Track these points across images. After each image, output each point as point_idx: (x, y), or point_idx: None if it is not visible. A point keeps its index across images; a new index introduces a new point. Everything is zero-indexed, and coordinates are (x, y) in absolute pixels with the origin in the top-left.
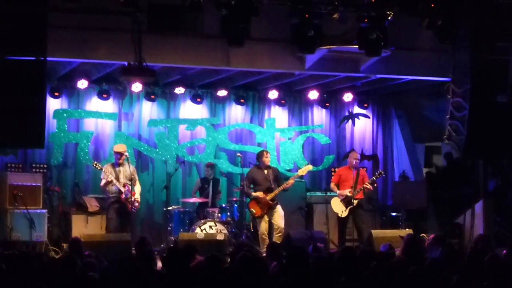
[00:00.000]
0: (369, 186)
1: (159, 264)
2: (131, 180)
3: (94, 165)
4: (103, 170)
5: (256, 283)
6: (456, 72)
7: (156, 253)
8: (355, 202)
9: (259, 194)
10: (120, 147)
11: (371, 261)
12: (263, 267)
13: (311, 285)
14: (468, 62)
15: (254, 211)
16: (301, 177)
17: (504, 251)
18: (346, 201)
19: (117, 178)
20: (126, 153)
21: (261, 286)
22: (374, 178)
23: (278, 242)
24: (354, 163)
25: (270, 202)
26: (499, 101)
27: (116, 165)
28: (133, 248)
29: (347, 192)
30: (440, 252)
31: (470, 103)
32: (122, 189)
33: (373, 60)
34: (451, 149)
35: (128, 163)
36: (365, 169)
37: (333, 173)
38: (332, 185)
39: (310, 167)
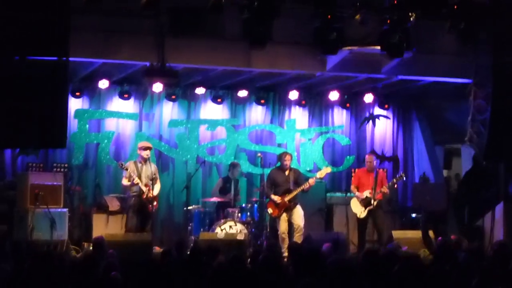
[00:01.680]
0: (386, 191)
1: None
2: (152, 179)
3: (120, 165)
4: (125, 174)
5: (277, 284)
6: (478, 74)
7: None
8: (374, 203)
9: (276, 198)
10: (148, 143)
11: (394, 264)
12: (285, 268)
13: (329, 286)
14: (490, 65)
15: (271, 211)
16: (321, 178)
17: None
18: (365, 202)
19: (139, 177)
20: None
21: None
22: (395, 181)
23: (299, 242)
24: (369, 167)
25: (288, 203)
26: None
27: (139, 162)
28: (155, 248)
29: (367, 193)
30: (463, 256)
31: (492, 105)
32: (144, 189)
33: (395, 62)
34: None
35: (150, 161)
36: (385, 170)
37: (353, 174)
38: (352, 187)
39: (328, 169)
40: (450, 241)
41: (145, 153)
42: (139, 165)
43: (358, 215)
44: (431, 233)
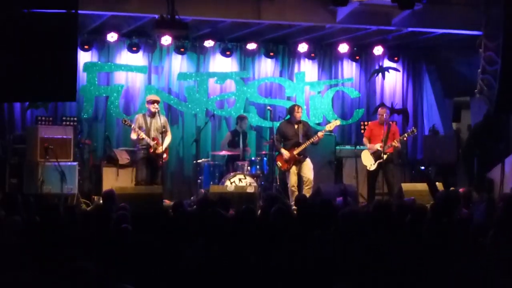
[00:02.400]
0: (397, 145)
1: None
2: (162, 132)
3: (124, 122)
4: (133, 125)
5: (288, 235)
6: (489, 26)
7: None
8: (384, 156)
9: (285, 152)
10: (155, 96)
11: (406, 215)
12: (295, 220)
13: (341, 238)
14: (501, 16)
15: (280, 164)
16: (330, 131)
17: None
18: (376, 155)
19: (148, 130)
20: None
21: (292, 239)
22: (406, 135)
23: (308, 194)
24: (381, 119)
25: (297, 156)
26: None
27: (148, 115)
28: (165, 201)
29: (378, 146)
30: (484, 207)
31: (502, 57)
32: (151, 143)
33: (405, 13)
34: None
35: (159, 114)
36: (395, 123)
37: (362, 127)
38: (365, 139)
39: (338, 122)
40: (452, 192)
41: (153, 107)
42: (148, 118)
43: (368, 167)
44: (440, 185)
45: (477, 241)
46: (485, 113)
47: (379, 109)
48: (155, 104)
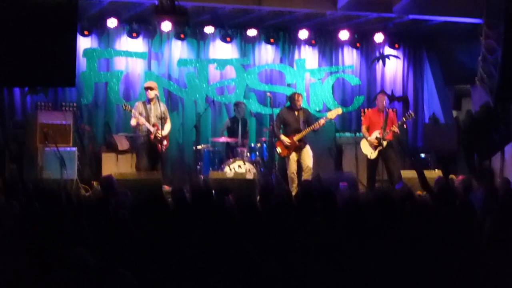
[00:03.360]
0: (396, 130)
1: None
2: (162, 118)
3: (124, 107)
4: (133, 111)
5: (288, 222)
6: (489, 14)
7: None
8: (384, 143)
9: (285, 138)
10: (150, 83)
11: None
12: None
13: (341, 225)
14: (502, 5)
15: (280, 151)
16: (331, 119)
17: None
18: (376, 142)
19: (148, 117)
20: (157, 91)
21: (293, 226)
22: (404, 119)
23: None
24: (381, 105)
25: (297, 143)
26: None
27: (147, 102)
28: (165, 187)
29: (376, 133)
30: (482, 193)
31: (503, 45)
32: (152, 129)
33: (406, 1)
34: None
35: (159, 101)
36: (395, 110)
37: (363, 115)
38: (363, 128)
39: (339, 111)
40: (450, 181)
41: (147, 93)
42: (148, 105)
43: (368, 156)
44: (440, 172)
45: (477, 228)
46: (485, 101)
47: (379, 95)
48: (149, 90)
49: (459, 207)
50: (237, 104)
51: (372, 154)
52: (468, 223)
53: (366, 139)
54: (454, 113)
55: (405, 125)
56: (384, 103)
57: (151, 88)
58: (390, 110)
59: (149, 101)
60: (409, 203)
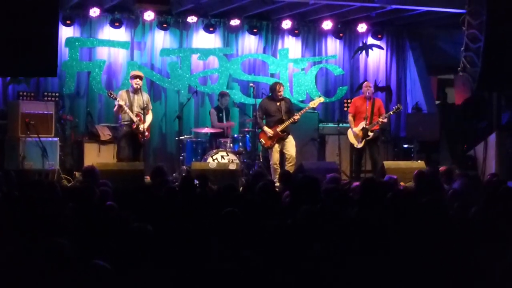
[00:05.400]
0: (385, 120)
1: None
2: (144, 109)
3: (109, 95)
4: (118, 99)
5: (272, 212)
6: (472, 3)
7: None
8: (371, 134)
9: (268, 130)
10: (138, 72)
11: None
12: (279, 197)
13: (325, 214)
14: None
15: (264, 142)
16: (313, 108)
17: None
18: (362, 133)
19: (131, 106)
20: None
21: (277, 215)
22: (391, 113)
23: (290, 172)
24: (367, 92)
25: (280, 134)
26: None
27: (132, 91)
28: (146, 177)
29: (362, 124)
30: (461, 183)
31: (485, 35)
32: (134, 119)
33: None
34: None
35: (142, 91)
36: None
37: (346, 105)
38: (350, 117)
39: (321, 99)
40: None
41: (135, 82)
42: (131, 94)
43: (355, 145)
44: (422, 163)
45: (459, 216)
46: (468, 90)
47: (365, 83)
48: (137, 79)
49: (440, 196)
50: (221, 94)
51: (359, 144)
52: (448, 212)
53: (352, 129)
54: (437, 102)
55: (390, 115)
56: (371, 90)
57: (140, 77)
58: (377, 98)
59: (134, 90)
60: (392, 193)
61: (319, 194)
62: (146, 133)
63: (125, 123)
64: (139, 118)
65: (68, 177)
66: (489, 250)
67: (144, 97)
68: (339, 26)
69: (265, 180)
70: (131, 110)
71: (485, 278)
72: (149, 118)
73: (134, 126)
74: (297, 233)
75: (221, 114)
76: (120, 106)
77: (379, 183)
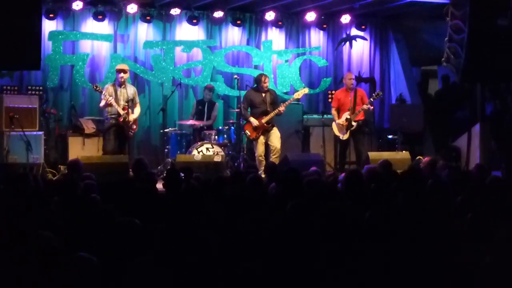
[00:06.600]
0: (369, 107)
1: (159, 185)
2: (130, 101)
3: (95, 88)
4: (104, 92)
5: (260, 203)
6: None
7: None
8: (354, 124)
9: (254, 120)
10: (123, 66)
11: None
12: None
13: (310, 207)
14: None
15: (249, 133)
16: (298, 100)
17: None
18: (347, 124)
19: (117, 100)
20: (128, 74)
21: (264, 207)
22: (372, 100)
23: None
24: (349, 84)
25: (266, 125)
26: (499, 24)
27: (117, 84)
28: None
29: (346, 115)
30: (447, 174)
31: (469, 25)
32: (121, 112)
33: None
34: (449, 72)
35: (127, 84)
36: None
37: (330, 96)
38: (333, 111)
39: (306, 90)
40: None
41: (119, 76)
42: (117, 88)
43: (341, 137)
44: (407, 153)
45: (444, 207)
46: (451, 81)
47: (346, 74)
48: (121, 73)
49: (423, 187)
50: (210, 88)
51: (344, 136)
52: (432, 203)
53: (335, 122)
54: (421, 94)
55: (372, 106)
56: (353, 81)
57: (124, 71)
58: (359, 88)
59: (120, 84)
60: (375, 184)
61: (302, 187)
62: (134, 126)
63: (112, 116)
64: (126, 111)
65: (53, 171)
66: (475, 244)
67: (130, 90)
68: (322, 17)
69: (254, 173)
70: (118, 104)
71: (472, 272)
72: (137, 111)
73: (121, 120)
74: (288, 230)
75: (201, 107)
76: (107, 102)
77: (362, 175)
